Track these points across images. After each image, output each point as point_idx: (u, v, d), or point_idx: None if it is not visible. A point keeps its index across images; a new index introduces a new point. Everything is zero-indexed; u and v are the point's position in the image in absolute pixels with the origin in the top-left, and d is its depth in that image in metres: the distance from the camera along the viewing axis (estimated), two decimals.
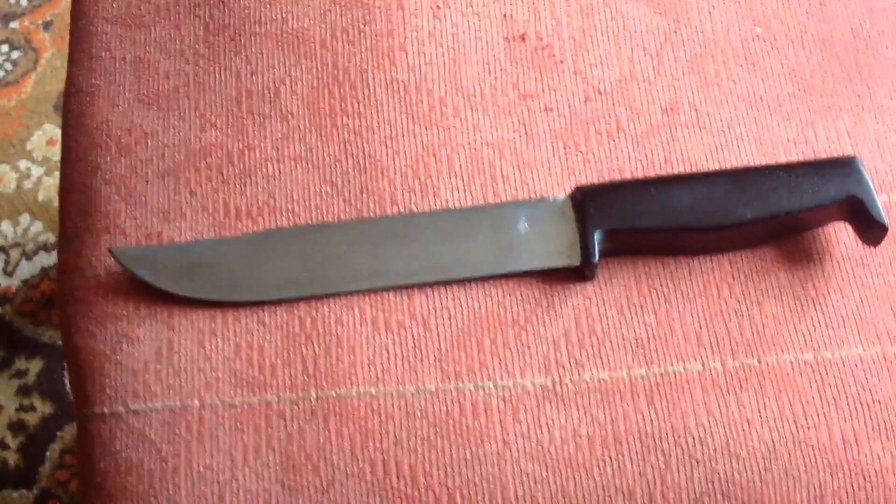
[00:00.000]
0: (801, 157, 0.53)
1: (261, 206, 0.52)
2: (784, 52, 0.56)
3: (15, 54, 1.06)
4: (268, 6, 0.57)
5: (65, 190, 0.55)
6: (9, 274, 0.96)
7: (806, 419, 0.48)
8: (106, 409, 0.48)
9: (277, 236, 0.51)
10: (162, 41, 0.57)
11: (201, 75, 0.56)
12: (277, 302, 0.49)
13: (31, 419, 0.90)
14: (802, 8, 0.57)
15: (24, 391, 0.91)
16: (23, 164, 1.00)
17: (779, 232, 0.51)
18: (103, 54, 0.57)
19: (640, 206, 0.49)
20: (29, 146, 1.01)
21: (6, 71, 1.05)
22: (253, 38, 0.56)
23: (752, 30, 0.56)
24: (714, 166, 0.53)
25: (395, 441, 0.47)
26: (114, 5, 0.58)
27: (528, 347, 0.49)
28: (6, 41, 1.07)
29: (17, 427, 0.90)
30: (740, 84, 0.55)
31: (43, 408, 0.91)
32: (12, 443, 0.89)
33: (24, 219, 0.98)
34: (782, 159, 0.53)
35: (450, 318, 0.49)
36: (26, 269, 0.96)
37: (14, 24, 1.08)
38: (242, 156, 0.53)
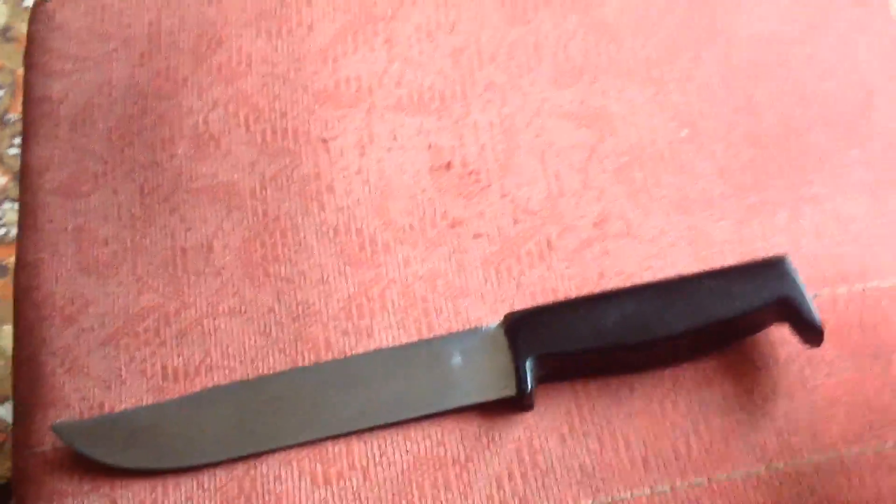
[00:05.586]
0: (737, 258, 0.51)
1: (197, 365, 0.52)
2: (712, 151, 0.55)
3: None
4: (198, 163, 0.58)
5: (16, 366, 0.56)
6: None
7: None
8: None
9: (211, 396, 0.50)
10: (101, 208, 0.58)
11: (138, 238, 0.56)
12: (216, 464, 0.49)
13: None
14: (729, 104, 0.56)
15: None
16: None
17: (717, 341, 0.49)
18: (47, 226, 0.58)
19: (569, 329, 0.48)
20: None
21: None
22: (186, 196, 0.57)
23: (678, 132, 0.56)
24: (648, 276, 0.52)
25: None
26: (55, 177, 0.60)
27: (470, 487, 0.48)
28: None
29: None
30: (669, 189, 0.54)
31: None
32: None
33: None
34: (717, 262, 0.51)
35: (390, 465, 0.49)
36: None
37: None
38: (178, 315, 0.53)
